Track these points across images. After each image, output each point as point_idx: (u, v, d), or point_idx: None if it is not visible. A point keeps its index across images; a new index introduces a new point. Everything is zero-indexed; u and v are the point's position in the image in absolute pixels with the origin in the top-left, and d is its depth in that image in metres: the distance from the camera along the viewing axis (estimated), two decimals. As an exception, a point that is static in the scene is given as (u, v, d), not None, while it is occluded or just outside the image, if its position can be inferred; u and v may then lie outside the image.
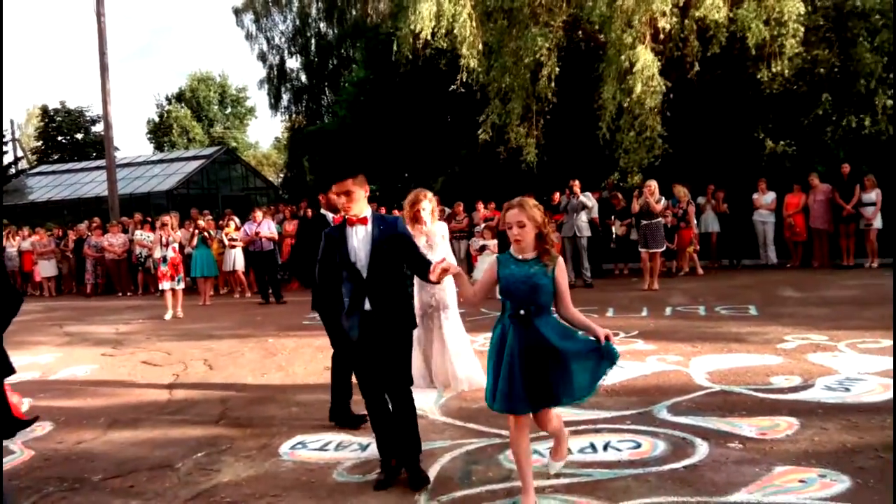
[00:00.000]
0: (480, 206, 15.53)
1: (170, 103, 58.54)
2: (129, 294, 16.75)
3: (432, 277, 3.78)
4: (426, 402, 5.82)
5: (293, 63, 36.48)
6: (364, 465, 4.56)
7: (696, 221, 13.60)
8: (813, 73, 13.12)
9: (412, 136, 18.52)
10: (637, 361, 6.71)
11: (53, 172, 30.02)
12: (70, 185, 27.66)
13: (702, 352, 6.96)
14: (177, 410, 6.22)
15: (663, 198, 10.62)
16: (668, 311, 9.54)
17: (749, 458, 4.18)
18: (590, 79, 13.42)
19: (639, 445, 4.52)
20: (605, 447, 4.52)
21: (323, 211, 5.85)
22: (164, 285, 12.08)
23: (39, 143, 38.43)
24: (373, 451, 4.75)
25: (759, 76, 12.62)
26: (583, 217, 12.58)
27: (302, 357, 8.09)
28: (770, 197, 13.49)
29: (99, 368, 8.28)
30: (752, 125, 13.90)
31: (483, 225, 13.23)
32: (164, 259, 12.03)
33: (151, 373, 7.87)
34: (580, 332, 3.73)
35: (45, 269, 17.65)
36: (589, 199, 12.61)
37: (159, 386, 7.19)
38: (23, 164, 36.85)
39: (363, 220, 4.18)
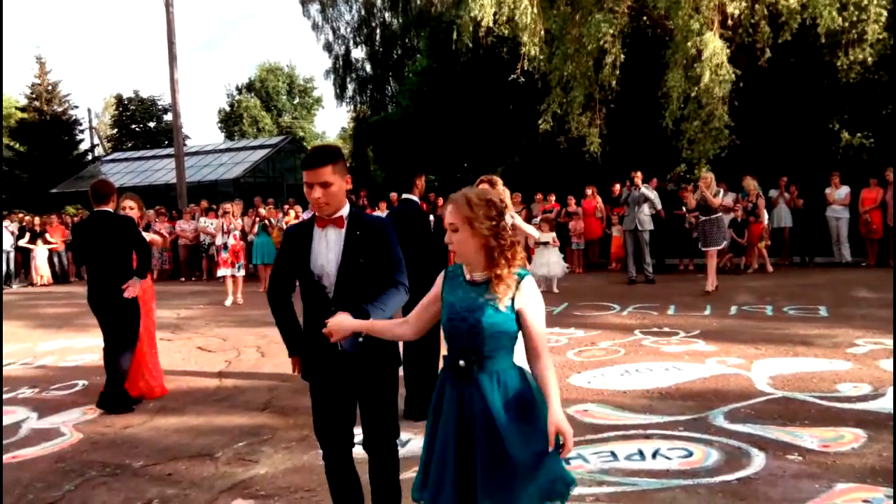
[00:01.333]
0: (540, 197, 15.27)
1: (240, 93, 59.93)
2: (193, 280, 17.12)
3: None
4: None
5: (358, 53, 36.74)
6: (402, 462, 4.44)
7: (766, 216, 13.01)
8: (893, 62, 12.34)
9: (472, 126, 18.33)
10: (696, 363, 6.40)
11: (126, 160, 31.03)
12: (141, 171, 28.52)
13: (766, 355, 6.60)
14: (224, 398, 6.26)
15: (721, 190, 10.08)
16: (732, 310, 9.12)
17: (809, 473, 3.90)
18: (655, 66, 12.95)
19: (690, 454, 4.27)
20: (655, 455, 4.29)
21: (409, 196, 5.74)
22: (224, 272, 12.27)
23: (114, 131, 39.72)
24: (411, 448, 4.66)
25: (837, 63, 11.95)
26: (645, 210, 12.17)
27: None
28: (844, 192, 12.80)
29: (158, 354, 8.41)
30: (828, 116, 13.18)
31: (540, 217, 12.96)
32: (226, 246, 12.22)
33: (205, 359, 7.96)
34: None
35: (115, 253, 18.18)
36: (650, 191, 12.19)
37: (210, 373, 7.26)
38: (99, 151, 38.21)
39: (338, 222, 3.10)
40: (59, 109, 31.99)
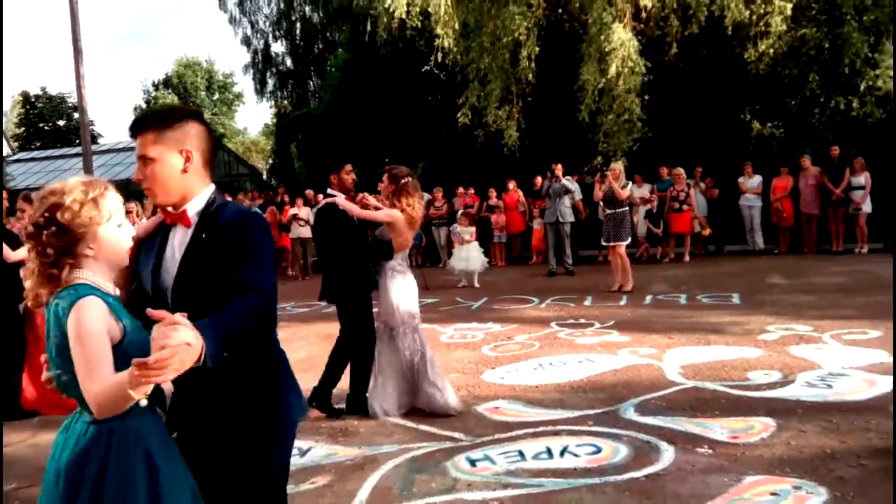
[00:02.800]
0: (461, 191, 15.10)
1: (157, 89, 57.94)
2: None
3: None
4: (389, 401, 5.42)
5: (278, 47, 35.86)
6: (299, 473, 4.14)
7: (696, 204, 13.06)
8: (801, 53, 12.66)
9: (393, 120, 18.02)
10: (608, 355, 6.31)
11: (33, 160, 29.44)
12: (49, 171, 27.08)
13: (678, 344, 6.57)
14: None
15: (630, 183, 10.02)
16: (647, 299, 9.14)
17: (717, 466, 3.79)
18: (572, 60, 12.93)
19: (598, 450, 4.12)
20: (563, 452, 4.12)
21: (330, 191, 5.37)
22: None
23: (21, 130, 37.69)
24: (311, 457, 4.38)
25: (745, 56, 12.16)
26: (566, 202, 12.14)
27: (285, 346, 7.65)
28: (756, 180, 13.06)
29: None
30: (739, 107, 13.42)
31: (461, 212, 12.78)
32: (129, 247, 11.54)
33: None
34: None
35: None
36: (571, 183, 12.17)
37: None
38: (7, 151, 36.15)
39: (183, 219, 2.18)
40: (-45, 108, 30.07)
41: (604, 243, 10.17)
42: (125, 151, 27.01)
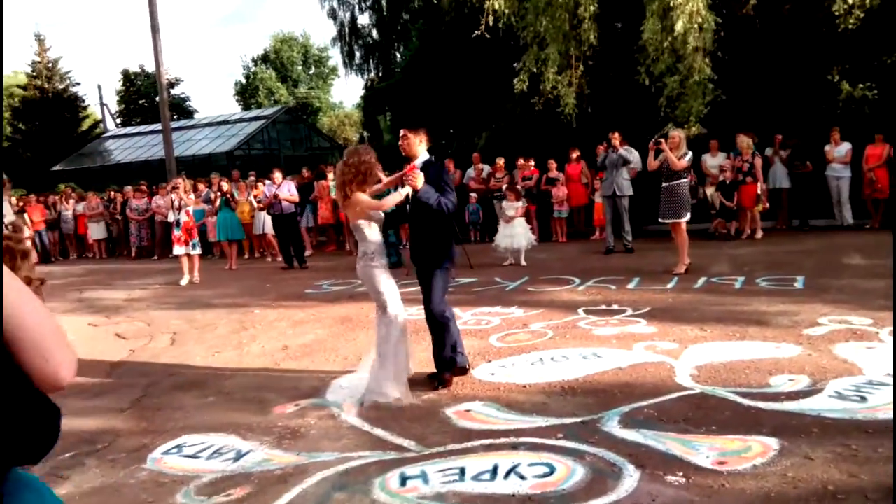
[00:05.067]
0: (521, 162, 14.33)
1: (256, 65, 59.42)
2: (169, 257, 16.60)
3: None
4: (346, 397, 4.98)
5: (364, 19, 35.70)
6: (221, 482, 3.77)
7: (762, 176, 11.94)
8: (898, 5, 11.10)
9: (459, 90, 17.38)
10: (621, 349, 5.59)
11: (127, 135, 30.63)
12: (139, 147, 28.10)
13: (708, 337, 5.76)
14: (96, 394, 5.64)
15: (690, 152, 8.94)
16: (699, 282, 8.24)
17: (685, 502, 3.11)
18: (635, 18, 11.86)
19: (551, 472, 3.51)
20: (509, 473, 3.53)
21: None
22: (179, 250, 11.66)
23: (122, 107, 39.39)
24: (243, 462, 3.98)
25: (833, 9, 10.76)
26: (623, 173, 11.22)
27: (271, 332, 7.39)
28: (844, 148, 11.66)
29: (70, 341, 7.82)
30: (825, 66, 11.92)
31: (506, 186, 12.07)
32: (178, 223, 11.58)
33: (113, 347, 7.36)
34: None
35: (95, 231, 17.76)
36: (630, 153, 11.22)
37: (105, 363, 6.65)
38: (111, 127, 37.88)
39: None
40: (61, 87, 31.62)
41: (660, 220, 9.21)
42: (210, 126, 27.61)
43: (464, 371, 5.19)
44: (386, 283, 4.92)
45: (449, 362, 5.13)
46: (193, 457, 4.17)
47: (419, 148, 5.06)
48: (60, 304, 10.66)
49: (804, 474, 3.29)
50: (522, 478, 3.47)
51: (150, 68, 40.08)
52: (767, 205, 12.15)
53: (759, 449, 3.59)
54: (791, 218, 12.66)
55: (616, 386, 4.74)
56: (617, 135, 11.09)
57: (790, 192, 12.35)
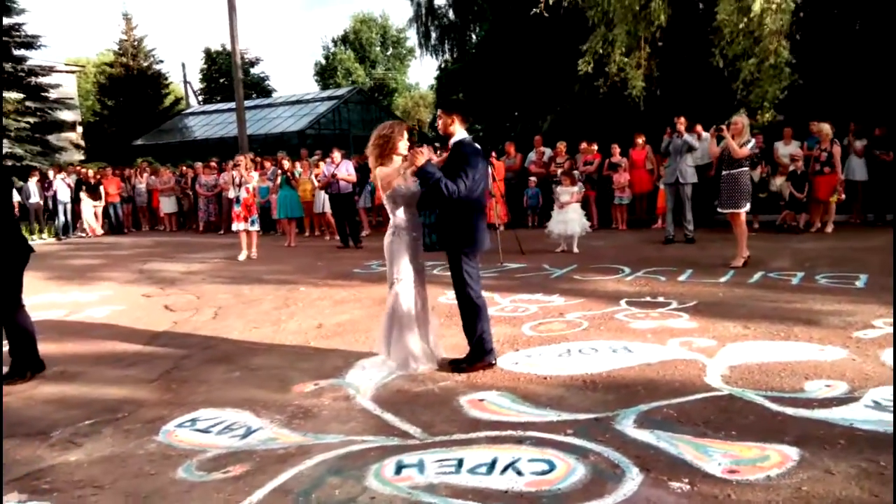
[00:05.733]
0: (584, 146, 13.98)
1: (335, 45, 60.17)
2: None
3: None
4: (364, 380, 4.94)
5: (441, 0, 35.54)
6: (224, 458, 3.79)
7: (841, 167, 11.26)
8: None
9: (526, 72, 17.05)
10: (654, 344, 5.36)
11: (204, 112, 31.50)
12: (217, 124, 28.84)
13: (751, 336, 5.46)
14: (129, 364, 5.78)
15: (753, 140, 8.44)
16: (755, 277, 7.84)
17: (683, 510, 2.93)
18: (708, -3, 11.35)
19: (551, 469, 3.37)
20: (507, 468, 3.41)
21: None
22: (238, 226, 11.89)
23: (203, 85, 40.51)
24: (250, 440, 3.99)
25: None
26: (688, 160, 10.77)
27: (310, 310, 7.44)
28: (930, 139, 10.87)
29: (120, 311, 8.11)
30: (912, 49, 11.14)
31: (561, 171, 11.77)
32: (238, 200, 11.81)
33: (158, 318, 7.55)
34: None
35: (166, 205, 18.35)
36: (695, 140, 10.75)
37: (147, 334, 6.83)
38: (193, 104, 39.04)
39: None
40: (145, 64, 32.72)
41: (718, 210, 8.79)
42: (284, 105, 28.08)
43: (490, 366, 5.06)
44: (402, 259, 4.93)
45: (474, 353, 5.02)
46: (205, 431, 4.21)
47: (453, 128, 4.97)
48: (122, 274, 11.06)
49: (820, 489, 3.05)
50: (520, 474, 3.34)
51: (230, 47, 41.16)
52: (843, 196, 11.48)
53: (776, 459, 3.35)
54: (866, 212, 11.93)
55: (640, 382, 4.53)
56: (682, 119, 10.65)
57: (867, 185, 11.62)
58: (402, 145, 4.92)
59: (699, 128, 11.33)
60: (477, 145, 5.08)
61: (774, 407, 3.98)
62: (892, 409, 3.82)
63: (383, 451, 3.72)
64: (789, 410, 3.92)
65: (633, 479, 3.23)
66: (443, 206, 4.84)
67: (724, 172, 8.41)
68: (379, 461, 3.59)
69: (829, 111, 11.50)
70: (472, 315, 5.00)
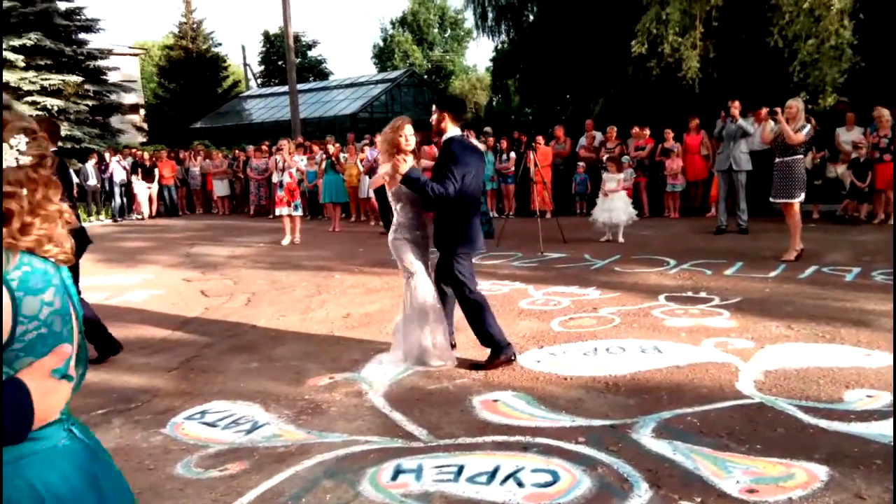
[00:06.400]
0: (636, 130, 13.52)
1: (393, 27, 60.14)
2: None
3: None
4: (379, 375, 4.80)
5: (499, -22, 34.96)
6: (224, 455, 3.71)
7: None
8: None
9: (578, 53, 16.59)
10: (687, 345, 5.06)
11: (261, 96, 31.83)
12: (273, 107, 29.11)
13: (793, 337, 5.11)
14: (153, 351, 5.79)
15: (808, 125, 7.92)
16: (808, 272, 7.40)
17: (689, 535, 2.70)
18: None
19: (555, 481, 3.17)
20: (509, 477, 3.23)
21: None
22: (282, 211, 11.92)
23: (262, 68, 40.96)
24: (253, 436, 3.91)
25: None
26: (742, 146, 10.27)
27: (341, 298, 7.36)
28: None
29: (158, 296, 8.18)
30: None
31: (607, 157, 11.37)
32: (281, 184, 11.83)
33: (192, 304, 7.59)
34: None
35: (219, 188, 18.58)
36: (750, 125, 10.23)
37: (178, 320, 6.86)
38: (253, 87, 39.51)
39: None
40: (204, 47, 33.21)
41: (771, 199, 8.33)
42: (338, 89, 28.13)
43: (509, 362, 4.86)
44: (407, 255, 4.86)
45: (493, 352, 4.85)
46: (212, 425, 4.14)
47: (445, 125, 4.87)
48: (168, 257, 11.21)
49: (848, 517, 2.77)
50: (521, 485, 3.16)
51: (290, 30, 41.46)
52: None
53: (802, 478, 3.08)
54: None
55: (666, 387, 4.27)
56: (736, 103, 10.14)
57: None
58: (405, 142, 4.81)
59: (764, 111, 10.77)
60: (473, 142, 4.99)
61: (807, 418, 3.68)
62: (938, 426, 3.48)
63: (384, 453, 3.58)
64: (823, 423, 3.62)
65: (641, 496, 3.01)
66: (437, 206, 4.76)
67: (777, 160, 7.95)
68: (378, 464, 3.45)
69: (893, 95, 10.80)
70: (476, 313, 4.85)
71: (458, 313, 5.17)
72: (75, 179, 16.12)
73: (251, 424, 4.10)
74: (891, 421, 3.59)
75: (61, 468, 1.39)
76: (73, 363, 1.42)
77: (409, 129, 4.83)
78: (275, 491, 3.26)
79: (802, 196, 7.94)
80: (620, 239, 10.06)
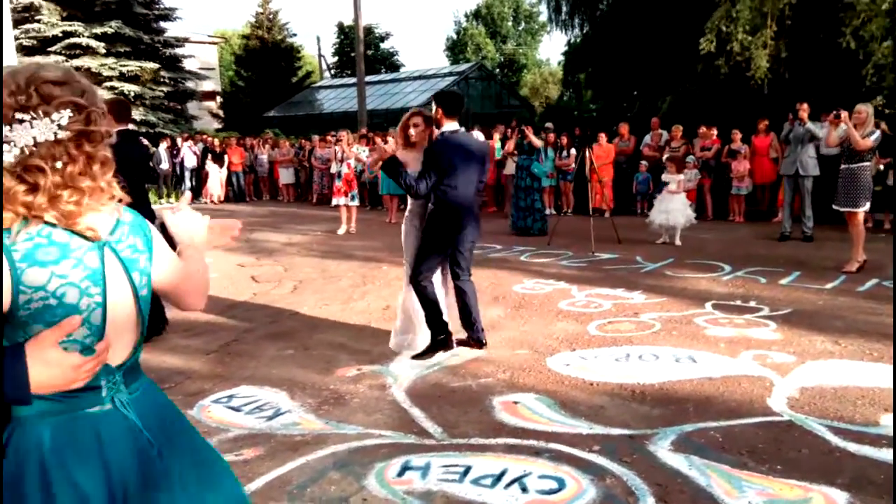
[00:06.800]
0: (703, 130, 13.12)
1: (467, 20, 60.11)
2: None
3: None
4: (405, 369, 4.82)
5: (576, -31, 34.50)
6: (243, 440, 3.80)
7: None
8: None
9: (647, 49, 16.21)
10: (724, 356, 4.89)
11: (331, 86, 32.31)
12: (343, 98, 29.52)
13: (836, 354, 4.88)
14: (195, 334, 5.95)
15: (878, 130, 7.50)
16: (868, 284, 7.05)
17: (687, 554, 2.61)
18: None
19: (559, 489, 3.12)
20: (514, 481, 3.20)
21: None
22: (338, 201, 12.09)
23: (336, 59, 41.54)
24: (274, 423, 3.98)
25: None
26: (810, 151, 9.85)
27: (384, 290, 7.42)
28: None
29: (211, 279, 8.35)
30: None
31: (666, 156, 11.06)
32: (339, 175, 11.99)
33: (242, 289, 7.77)
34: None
35: (285, 176, 18.95)
36: (820, 128, 9.81)
37: (223, 304, 7.03)
38: (327, 77, 40.14)
39: None
40: (279, 37, 33.91)
41: (835, 207, 7.97)
42: (406, 81, 28.31)
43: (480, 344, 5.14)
44: (410, 242, 5.13)
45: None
46: (236, 409, 4.24)
47: (441, 120, 5.01)
48: (228, 242, 11.49)
49: (861, 548, 2.64)
50: (524, 490, 3.12)
51: (363, 22, 41.96)
52: None
53: (819, 503, 2.94)
54: None
55: (694, 399, 4.14)
56: (805, 106, 9.74)
57: None
58: (413, 131, 5.02)
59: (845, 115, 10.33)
60: (462, 140, 5.01)
61: (836, 440, 3.51)
62: (977, 458, 3.27)
63: (396, 448, 3.59)
64: (852, 446, 3.44)
65: (645, 510, 2.93)
66: (433, 201, 4.93)
67: (842, 166, 7.60)
68: (387, 460, 3.47)
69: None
70: (422, 302, 5.09)
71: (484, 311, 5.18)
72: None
73: (274, 411, 4.17)
74: (928, 449, 3.40)
75: (71, 432, 1.43)
76: (105, 337, 1.45)
77: (416, 120, 5.05)
78: (283, 479, 3.32)
79: (868, 205, 7.58)
80: (677, 242, 9.80)
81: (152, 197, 16.87)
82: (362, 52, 22.53)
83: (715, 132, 12.87)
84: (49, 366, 1.32)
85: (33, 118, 1.34)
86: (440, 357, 5.04)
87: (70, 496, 1.40)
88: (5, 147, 1.33)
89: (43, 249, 1.34)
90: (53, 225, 1.37)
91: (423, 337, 5.15)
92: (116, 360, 1.51)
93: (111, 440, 1.47)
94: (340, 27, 41.07)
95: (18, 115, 1.34)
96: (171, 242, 1.80)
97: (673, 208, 9.76)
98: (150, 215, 5.70)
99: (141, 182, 5.90)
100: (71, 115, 1.37)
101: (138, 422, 1.52)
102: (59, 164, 1.36)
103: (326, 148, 17.68)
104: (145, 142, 15.92)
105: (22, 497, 1.39)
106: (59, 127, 1.36)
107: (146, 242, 1.58)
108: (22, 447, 1.40)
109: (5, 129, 1.34)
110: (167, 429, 1.62)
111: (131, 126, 6.30)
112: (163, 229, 1.83)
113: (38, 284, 1.33)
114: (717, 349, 5.05)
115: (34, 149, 1.34)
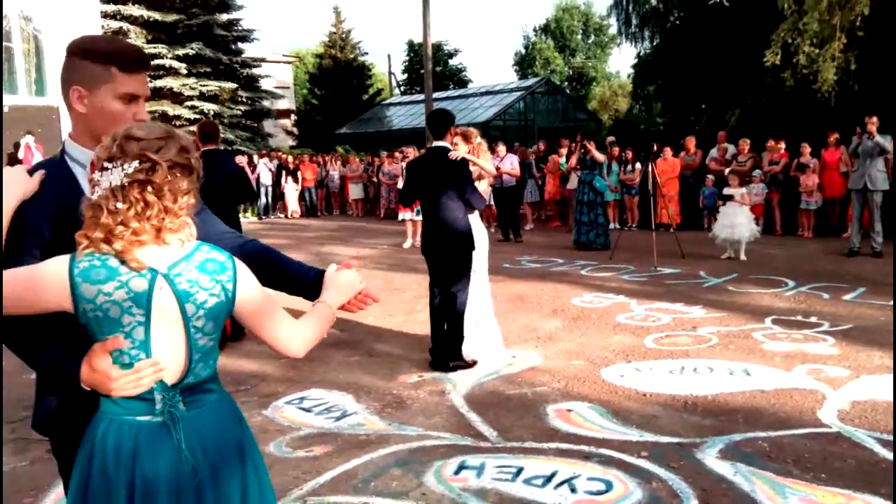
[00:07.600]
0: (772, 144, 12.96)
1: (536, 34, 60.27)
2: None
3: None
4: (464, 377, 5.06)
5: (645, -15, 34.38)
6: (313, 438, 4.10)
7: None
8: None
9: (715, 62, 16.10)
10: (778, 370, 4.95)
11: (400, 103, 32.95)
12: (411, 114, 30.08)
13: (891, 370, 4.87)
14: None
15: None
16: (937, 301, 6.93)
17: (724, 553, 2.76)
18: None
19: (607, 490, 3.31)
20: (564, 483, 3.39)
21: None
22: (404, 215, 12.45)
23: (405, 76, 42.32)
24: (342, 423, 4.28)
25: None
26: (878, 164, 9.68)
27: (447, 303, 7.66)
28: None
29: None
30: None
31: (729, 169, 10.99)
32: (406, 189, 12.34)
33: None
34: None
35: (354, 191, 19.52)
36: (889, 142, 9.63)
37: (295, 315, 7.39)
38: (397, 94, 40.95)
39: None
40: (351, 56, 34.83)
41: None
42: (473, 97, 28.65)
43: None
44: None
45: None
46: (307, 410, 4.56)
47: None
48: (299, 255, 11.98)
49: (897, 553, 2.73)
50: (573, 490, 3.31)
51: (432, 39, 42.60)
52: None
53: (860, 512, 3.04)
54: None
55: (745, 410, 4.24)
56: (874, 119, 9.57)
57: None
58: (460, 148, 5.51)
59: None
60: (417, 162, 5.84)
61: (883, 452, 3.58)
62: None
63: (453, 449, 3.83)
64: (899, 459, 3.50)
65: (688, 511, 3.08)
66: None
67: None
68: (444, 459, 3.71)
69: None
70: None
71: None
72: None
73: (341, 412, 4.48)
74: (978, 463, 3.43)
75: (118, 434, 1.62)
76: (150, 358, 1.63)
77: (457, 139, 5.53)
78: (349, 474, 3.60)
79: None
80: (742, 256, 9.75)
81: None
82: (430, 69, 22.97)
83: (783, 146, 12.71)
84: (94, 374, 1.60)
85: (113, 167, 1.60)
86: (497, 366, 5.27)
87: (99, 484, 1.61)
88: (95, 188, 1.62)
89: (95, 270, 1.58)
90: (110, 253, 1.60)
91: (471, 345, 5.50)
92: (170, 379, 1.66)
93: (148, 451, 1.61)
94: (410, 45, 41.85)
95: (106, 165, 1.61)
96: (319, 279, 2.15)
97: (737, 223, 9.72)
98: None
99: (224, 201, 6.07)
100: (138, 165, 1.59)
101: (184, 441, 1.63)
102: (119, 205, 1.58)
103: (394, 164, 18.17)
104: (239, 160, 16.64)
105: (76, 476, 1.65)
106: (125, 175, 1.60)
107: (215, 281, 1.70)
108: (88, 437, 1.66)
109: (96, 174, 1.63)
110: (223, 453, 1.72)
111: (216, 146, 6.59)
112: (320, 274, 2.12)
113: (89, 297, 1.58)
114: (772, 363, 5.11)
115: (107, 192, 1.60)
